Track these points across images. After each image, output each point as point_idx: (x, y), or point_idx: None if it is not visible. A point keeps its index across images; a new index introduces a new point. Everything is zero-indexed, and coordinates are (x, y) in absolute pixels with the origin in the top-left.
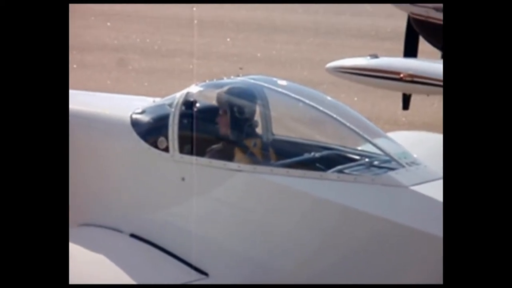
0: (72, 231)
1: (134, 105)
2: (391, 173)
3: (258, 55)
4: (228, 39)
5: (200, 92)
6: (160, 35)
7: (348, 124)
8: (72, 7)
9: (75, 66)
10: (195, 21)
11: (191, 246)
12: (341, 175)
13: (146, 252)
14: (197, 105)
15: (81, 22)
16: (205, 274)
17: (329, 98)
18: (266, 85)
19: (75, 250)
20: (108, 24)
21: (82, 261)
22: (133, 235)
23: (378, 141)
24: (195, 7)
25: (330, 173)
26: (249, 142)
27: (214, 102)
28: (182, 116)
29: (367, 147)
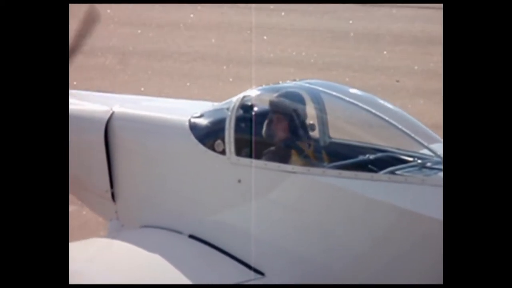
0: (133, 233)
1: (193, 110)
2: (441, 174)
3: (415, 67)
4: (385, 52)
5: (256, 96)
6: (316, 48)
7: (401, 126)
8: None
9: (231, 79)
10: (351, 34)
11: (248, 246)
12: (392, 176)
13: (204, 252)
14: (253, 108)
15: (238, 36)
16: (262, 274)
17: (382, 101)
18: (321, 89)
19: (134, 251)
20: (264, 37)
21: (141, 262)
22: (192, 236)
23: (431, 143)
24: (351, 20)
25: (382, 174)
26: (304, 145)
27: (269, 106)
28: (238, 119)
29: (420, 149)
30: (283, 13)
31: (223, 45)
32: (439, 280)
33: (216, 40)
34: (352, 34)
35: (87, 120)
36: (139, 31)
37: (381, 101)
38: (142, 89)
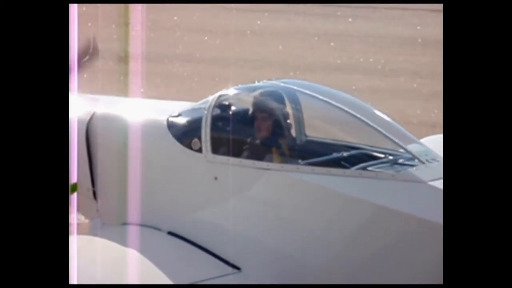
0: (113, 229)
1: (173, 109)
2: (411, 169)
3: None
4: None
5: (232, 95)
6: (383, 55)
7: (374, 124)
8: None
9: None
10: (419, 40)
11: (225, 242)
12: (363, 171)
13: (182, 248)
14: (229, 107)
15: (304, 43)
16: (238, 268)
17: (357, 100)
18: (296, 88)
19: (113, 247)
20: (332, 44)
21: (121, 258)
22: (171, 233)
23: (402, 141)
24: (418, 26)
25: (353, 170)
26: (278, 143)
27: (244, 105)
28: (214, 118)
29: (392, 146)
30: (350, 19)
31: (290, 52)
32: (400, 272)
33: (283, 47)
34: (419, 40)
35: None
36: (205, 38)
37: (357, 101)
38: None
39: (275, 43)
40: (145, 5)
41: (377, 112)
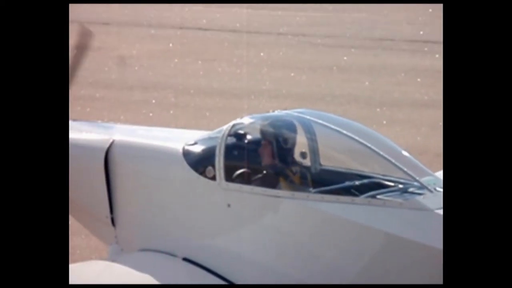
0: (130, 255)
1: (189, 138)
2: (418, 197)
3: None
4: None
5: (245, 124)
6: None
7: (384, 154)
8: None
9: (384, 122)
10: None
11: (238, 267)
12: (372, 199)
13: (196, 274)
14: (242, 136)
15: (391, 78)
16: None
17: (369, 130)
18: (309, 117)
19: (131, 274)
20: (418, 80)
21: (135, 282)
22: (185, 259)
23: (413, 171)
24: None
25: (362, 198)
26: (290, 170)
27: (258, 134)
28: (228, 146)
29: (402, 176)
30: (437, 55)
31: (376, 88)
32: None
33: (369, 83)
34: None
35: (89, 148)
36: (292, 74)
37: (368, 130)
38: None
39: (361, 79)
40: (232, 42)
41: (390, 143)
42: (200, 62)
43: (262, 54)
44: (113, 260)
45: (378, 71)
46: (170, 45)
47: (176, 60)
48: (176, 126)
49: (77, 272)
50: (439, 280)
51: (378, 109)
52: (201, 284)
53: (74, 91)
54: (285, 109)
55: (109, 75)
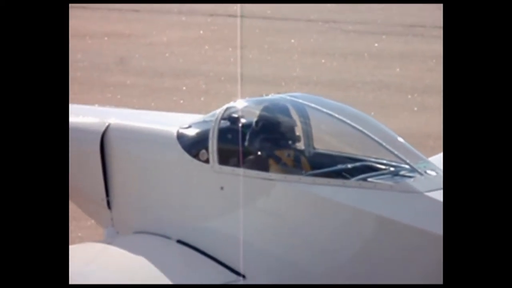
0: (126, 238)
1: (184, 121)
2: (408, 180)
3: None
4: None
5: (239, 107)
6: None
7: (376, 138)
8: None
9: (415, 108)
10: None
11: (231, 249)
12: (362, 182)
13: (189, 256)
14: (235, 119)
15: (422, 65)
16: (243, 276)
17: (362, 114)
18: (302, 101)
19: (126, 255)
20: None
21: (132, 265)
22: (180, 241)
23: (404, 154)
24: None
25: (353, 181)
26: (282, 154)
27: (251, 117)
28: (221, 130)
29: (394, 159)
30: None
31: (407, 75)
32: (407, 279)
33: (400, 70)
34: None
35: (85, 131)
36: (323, 61)
37: (363, 115)
38: None
39: (392, 66)
40: (262, 29)
41: (383, 127)
42: (230, 49)
43: (292, 40)
44: (109, 243)
45: (409, 57)
46: (201, 32)
47: (206, 47)
48: (207, 113)
49: (72, 254)
50: (427, 261)
51: (409, 96)
52: (192, 284)
53: (105, 78)
54: (279, 93)
55: (140, 62)
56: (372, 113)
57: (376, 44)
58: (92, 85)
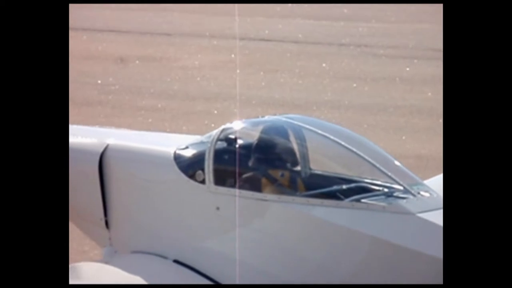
0: (123, 257)
1: (182, 142)
2: (401, 201)
3: None
4: None
5: (235, 128)
6: None
7: (371, 159)
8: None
9: (297, 122)
10: None
11: (227, 269)
12: (355, 203)
13: (185, 276)
14: (231, 140)
15: None
16: None
17: (357, 135)
18: (297, 122)
19: (121, 274)
20: None
21: (126, 283)
22: (176, 261)
23: (398, 176)
24: None
25: (346, 202)
26: (277, 174)
27: (246, 138)
28: (217, 151)
29: (388, 180)
30: None
31: (439, 99)
32: None
33: (431, 94)
34: None
35: (84, 152)
36: (354, 85)
37: (358, 137)
38: None
39: (424, 90)
40: (294, 53)
41: (378, 149)
42: (262, 73)
43: (324, 65)
44: (106, 262)
45: (441, 82)
46: (232, 55)
47: (238, 71)
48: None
49: (71, 273)
50: (419, 281)
51: (440, 120)
52: (190, 284)
53: (136, 102)
54: (275, 114)
55: (171, 86)
56: (404, 137)
57: (407, 68)
58: (123, 108)
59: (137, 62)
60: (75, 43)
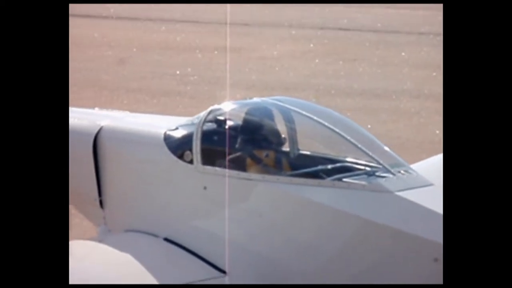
0: (116, 236)
1: (172, 123)
2: (380, 180)
3: None
4: None
5: (222, 110)
6: None
7: (354, 140)
8: None
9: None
10: None
11: (213, 247)
12: (337, 182)
13: (174, 253)
14: (219, 121)
15: None
16: (224, 272)
17: (342, 117)
18: (283, 104)
19: (114, 252)
20: None
21: (117, 260)
22: (166, 239)
23: (380, 156)
24: None
25: (328, 181)
26: (261, 154)
27: (233, 119)
28: (204, 131)
29: (370, 160)
30: None
31: None
32: (365, 276)
33: None
34: None
35: (79, 134)
36: (434, 74)
37: (343, 118)
38: (437, 131)
39: None
40: (372, 42)
41: (362, 130)
42: (341, 62)
43: (403, 54)
44: (100, 241)
45: None
46: (311, 45)
47: (316, 61)
48: None
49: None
50: (395, 257)
51: None
52: (193, 284)
53: (215, 92)
54: (262, 96)
55: (249, 76)
56: None
57: None
58: (201, 99)
59: (215, 52)
60: (154, 34)
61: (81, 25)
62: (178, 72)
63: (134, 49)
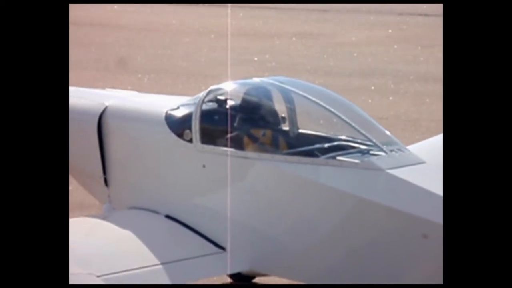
0: (119, 214)
1: (174, 103)
2: (372, 158)
3: None
4: None
5: (222, 89)
6: None
7: (349, 120)
8: None
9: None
10: None
11: (212, 224)
12: (330, 160)
13: (174, 230)
14: (217, 101)
15: None
16: (223, 248)
17: (338, 97)
18: (281, 84)
19: (116, 229)
20: None
21: (119, 237)
22: (168, 216)
23: (374, 135)
24: None
25: (322, 159)
26: (258, 133)
27: (232, 99)
28: (203, 111)
29: (363, 139)
30: None
31: None
32: (354, 252)
33: None
34: None
35: (84, 113)
36: None
37: (340, 98)
38: None
39: None
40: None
41: (357, 110)
42: (419, 48)
43: None
44: (104, 218)
45: None
46: (390, 31)
47: (395, 46)
48: (396, 113)
49: (71, 227)
50: (385, 233)
51: None
52: (197, 285)
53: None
54: (262, 76)
55: (327, 62)
56: None
57: None
58: None
59: (293, 39)
60: (232, 20)
61: (160, 12)
62: (256, 58)
63: (212, 36)
